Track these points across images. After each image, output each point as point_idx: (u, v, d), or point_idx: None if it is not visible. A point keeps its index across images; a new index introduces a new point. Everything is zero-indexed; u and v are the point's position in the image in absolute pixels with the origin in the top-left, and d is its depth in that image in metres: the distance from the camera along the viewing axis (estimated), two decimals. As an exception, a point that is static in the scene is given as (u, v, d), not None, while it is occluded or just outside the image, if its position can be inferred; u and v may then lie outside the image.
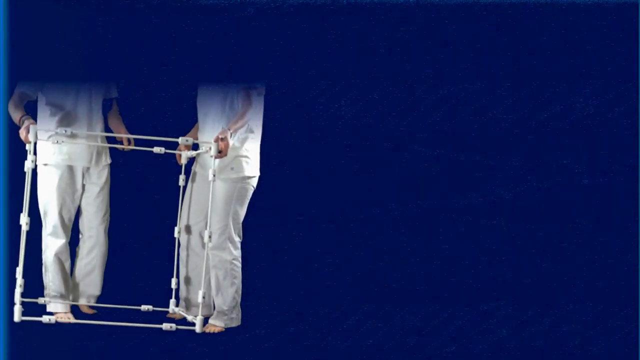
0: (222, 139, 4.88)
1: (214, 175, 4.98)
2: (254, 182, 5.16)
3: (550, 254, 6.18)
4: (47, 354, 4.78)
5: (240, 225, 5.16)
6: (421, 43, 6.05)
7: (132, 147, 5.30)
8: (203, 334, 5.09)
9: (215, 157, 4.90)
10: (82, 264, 5.39)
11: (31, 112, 5.27)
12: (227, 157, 4.99)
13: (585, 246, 6.14)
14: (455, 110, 6.21)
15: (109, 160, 5.35)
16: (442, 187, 6.26)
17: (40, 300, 5.14)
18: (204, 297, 5.05)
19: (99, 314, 5.34)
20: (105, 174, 5.31)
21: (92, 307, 5.40)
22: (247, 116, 5.00)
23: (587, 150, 6.15)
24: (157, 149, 5.09)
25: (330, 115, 6.23)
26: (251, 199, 5.18)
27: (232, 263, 5.11)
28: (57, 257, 5.26)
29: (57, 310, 5.25)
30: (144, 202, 6.03)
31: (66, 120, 5.21)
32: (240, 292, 5.16)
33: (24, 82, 5.28)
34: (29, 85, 5.26)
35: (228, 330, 5.15)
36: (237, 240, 5.14)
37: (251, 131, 5.11)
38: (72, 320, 5.19)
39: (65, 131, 5.09)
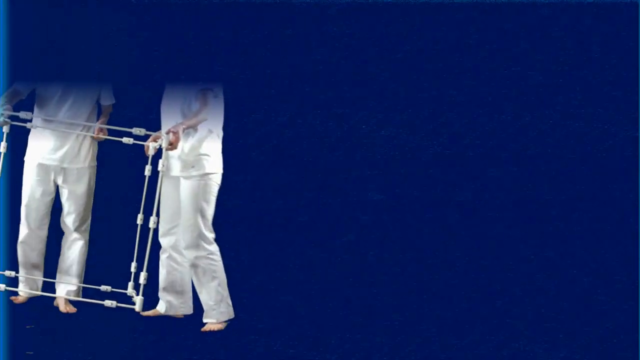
0: (173, 132, 5.07)
1: (164, 165, 5.16)
2: (217, 178, 5.30)
3: (549, 253, 6.18)
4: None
5: (210, 221, 5.26)
6: (390, 40, 6.13)
7: (103, 136, 5.46)
8: (202, 333, 5.15)
9: (166, 149, 5.10)
10: (63, 259, 5.60)
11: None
12: (189, 157, 5.20)
13: (585, 245, 6.14)
14: (442, 108, 6.23)
15: (88, 163, 5.49)
16: (421, 179, 6.29)
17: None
18: (145, 280, 5.19)
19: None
20: (83, 176, 5.47)
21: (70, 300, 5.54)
22: (201, 116, 5.19)
23: (587, 150, 6.15)
24: (125, 140, 5.25)
25: (301, 112, 6.31)
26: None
27: (208, 258, 5.21)
28: (21, 245, 5.52)
29: (19, 293, 5.55)
30: (129, 192, 6.06)
31: (48, 114, 5.43)
32: (225, 286, 5.23)
33: (19, 81, 5.46)
34: (23, 84, 5.44)
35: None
36: (210, 235, 5.25)
37: (210, 131, 5.27)
38: (21, 300, 5.50)
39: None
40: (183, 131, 5.11)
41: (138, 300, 5.12)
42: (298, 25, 6.27)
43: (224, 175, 5.37)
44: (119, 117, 5.56)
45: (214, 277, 5.21)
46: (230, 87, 5.56)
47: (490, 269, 6.18)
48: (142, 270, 5.18)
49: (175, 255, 5.37)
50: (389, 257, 6.23)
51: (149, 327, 5.22)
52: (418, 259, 6.21)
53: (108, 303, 5.16)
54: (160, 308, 5.40)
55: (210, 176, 5.25)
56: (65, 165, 5.44)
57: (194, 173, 5.22)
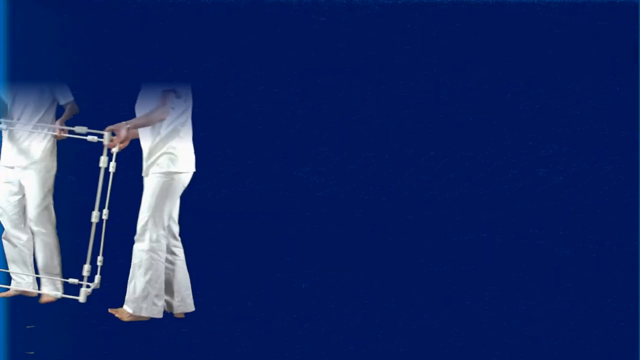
0: (114, 131, 5.20)
1: (104, 162, 5.31)
2: (182, 178, 5.37)
3: (550, 254, 6.19)
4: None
5: (164, 219, 5.33)
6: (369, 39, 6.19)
7: (64, 135, 5.61)
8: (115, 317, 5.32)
9: (107, 146, 5.23)
10: None
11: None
12: (154, 154, 5.31)
13: (585, 246, 6.16)
14: (440, 108, 6.25)
15: (38, 160, 5.62)
16: (401, 178, 6.34)
17: None
18: (89, 272, 5.34)
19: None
20: (33, 174, 5.63)
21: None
22: (154, 115, 5.26)
23: (587, 150, 6.17)
24: (90, 138, 5.36)
25: (276, 113, 6.40)
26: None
27: (147, 253, 5.28)
28: (3, 240, 5.76)
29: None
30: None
31: (6, 116, 5.68)
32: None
33: None
34: None
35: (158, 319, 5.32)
36: (158, 232, 5.32)
37: (177, 130, 5.35)
38: (3, 295, 5.71)
39: None
40: (127, 130, 5.21)
41: (82, 292, 5.28)
42: (276, 23, 6.34)
43: (202, 174, 5.43)
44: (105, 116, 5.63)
45: (146, 273, 5.28)
46: (206, 87, 5.62)
47: (489, 269, 6.19)
48: (101, 264, 5.38)
49: (165, 255, 5.42)
50: (364, 256, 6.28)
51: (149, 326, 5.23)
52: (388, 254, 6.28)
53: (53, 293, 5.42)
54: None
55: (174, 175, 5.32)
56: (18, 165, 5.65)
57: (157, 171, 5.30)
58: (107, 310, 5.36)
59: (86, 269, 5.28)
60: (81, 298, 5.28)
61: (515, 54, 6.11)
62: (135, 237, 5.31)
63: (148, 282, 5.27)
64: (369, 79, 6.35)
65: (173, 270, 5.42)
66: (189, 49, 6.22)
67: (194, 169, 5.39)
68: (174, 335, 5.10)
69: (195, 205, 5.86)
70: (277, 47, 6.38)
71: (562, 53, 6.10)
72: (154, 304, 5.31)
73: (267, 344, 5.01)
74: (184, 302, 5.45)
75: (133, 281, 5.30)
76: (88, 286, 5.35)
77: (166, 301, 5.42)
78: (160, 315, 5.32)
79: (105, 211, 5.38)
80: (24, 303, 5.57)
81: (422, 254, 6.31)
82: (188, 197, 5.45)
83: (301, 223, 6.45)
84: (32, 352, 4.70)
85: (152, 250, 5.28)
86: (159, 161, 5.29)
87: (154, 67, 5.65)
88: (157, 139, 5.31)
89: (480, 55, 6.15)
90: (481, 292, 5.99)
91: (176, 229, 5.42)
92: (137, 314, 5.30)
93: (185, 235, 5.46)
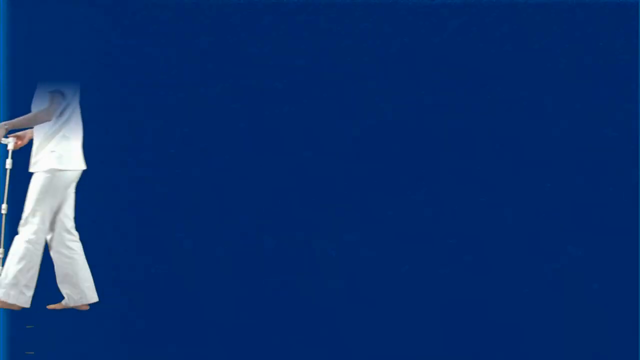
0: None
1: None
2: (66, 175, 5.56)
3: (550, 254, 6.18)
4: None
5: (47, 215, 5.51)
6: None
7: None
8: None
9: None
10: None
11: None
12: (39, 152, 5.54)
13: (585, 246, 6.15)
14: (440, 109, 6.25)
15: None
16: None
17: None
18: None
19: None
20: None
21: None
22: (38, 116, 5.50)
23: (587, 150, 6.16)
24: None
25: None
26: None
27: (24, 244, 5.49)
28: None
29: None
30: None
31: None
32: (28, 275, 5.46)
33: None
34: None
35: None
36: (40, 227, 5.51)
37: (59, 130, 5.57)
38: None
39: None
40: (6, 131, 5.46)
41: None
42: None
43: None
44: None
45: (19, 262, 5.46)
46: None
47: (489, 269, 6.18)
48: (6, 256, 5.49)
49: (61, 249, 5.58)
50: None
51: (144, 326, 5.24)
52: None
53: None
54: (64, 301, 5.59)
55: (56, 173, 5.52)
56: None
57: (37, 169, 5.53)
58: None
59: None
60: None
61: (515, 54, 6.10)
62: (18, 227, 5.50)
63: (20, 270, 5.46)
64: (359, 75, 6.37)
65: (71, 265, 5.59)
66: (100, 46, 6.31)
67: (82, 167, 5.59)
68: (179, 337, 5.11)
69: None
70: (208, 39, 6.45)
71: (562, 53, 6.09)
72: (22, 292, 5.48)
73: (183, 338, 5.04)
74: (85, 295, 5.60)
75: (6, 267, 5.49)
76: None
77: (67, 294, 5.59)
78: (28, 305, 5.46)
79: (4, 206, 5.56)
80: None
81: (422, 254, 6.31)
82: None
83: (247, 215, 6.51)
84: (32, 352, 4.71)
85: (29, 242, 5.48)
86: (42, 159, 5.52)
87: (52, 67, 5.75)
88: (43, 138, 5.55)
89: (479, 56, 6.15)
90: (481, 292, 5.99)
91: (70, 224, 5.61)
92: (4, 300, 5.45)
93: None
